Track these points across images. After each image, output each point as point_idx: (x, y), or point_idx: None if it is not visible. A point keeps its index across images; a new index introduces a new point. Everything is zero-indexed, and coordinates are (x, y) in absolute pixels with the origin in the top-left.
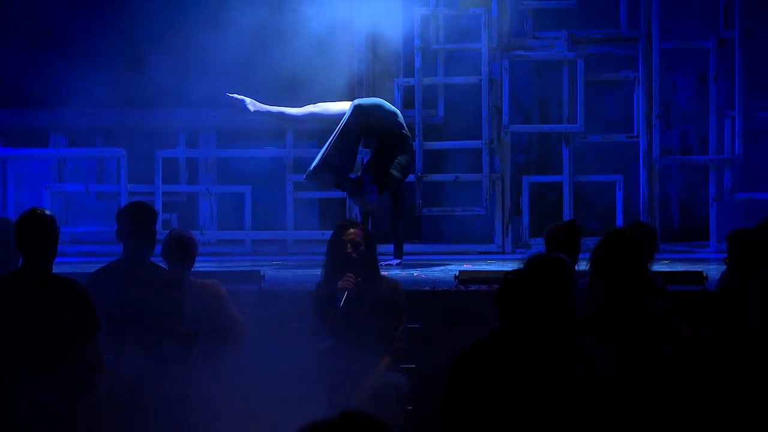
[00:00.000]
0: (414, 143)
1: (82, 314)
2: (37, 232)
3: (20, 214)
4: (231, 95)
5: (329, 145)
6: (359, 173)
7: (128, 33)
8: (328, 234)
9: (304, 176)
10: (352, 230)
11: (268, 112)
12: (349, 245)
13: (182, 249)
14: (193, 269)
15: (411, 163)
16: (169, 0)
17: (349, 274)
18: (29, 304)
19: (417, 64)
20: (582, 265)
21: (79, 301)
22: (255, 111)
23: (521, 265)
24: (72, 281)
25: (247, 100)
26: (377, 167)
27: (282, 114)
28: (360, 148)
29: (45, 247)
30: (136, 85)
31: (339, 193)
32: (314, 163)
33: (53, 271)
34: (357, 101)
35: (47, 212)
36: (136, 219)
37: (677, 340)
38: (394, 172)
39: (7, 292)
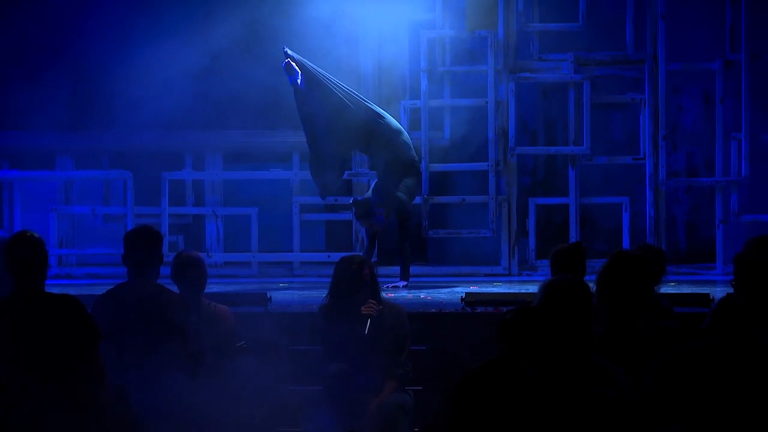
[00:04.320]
0: (420, 165)
1: (82, 327)
2: (28, 255)
3: (8, 238)
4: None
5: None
6: (366, 195)
7: (130, 47)
8: (334, 256)
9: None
10: (366, 272)
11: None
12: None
13: (190, 271)
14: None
15: (418, 186)
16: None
17: (371, 301)
18: (28, 326)
19: (423, 86)
20: None
21: (77, 314)
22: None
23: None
24: (67, 296)
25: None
26: (384, 189)
27: None
28: (369, 171)
29: (36, 269)
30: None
31: (345, 216)
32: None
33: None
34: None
35: (35, 234)
36: (142, 243)
37: (666, 354)
38: (400, 194)
39: (5, 315)
